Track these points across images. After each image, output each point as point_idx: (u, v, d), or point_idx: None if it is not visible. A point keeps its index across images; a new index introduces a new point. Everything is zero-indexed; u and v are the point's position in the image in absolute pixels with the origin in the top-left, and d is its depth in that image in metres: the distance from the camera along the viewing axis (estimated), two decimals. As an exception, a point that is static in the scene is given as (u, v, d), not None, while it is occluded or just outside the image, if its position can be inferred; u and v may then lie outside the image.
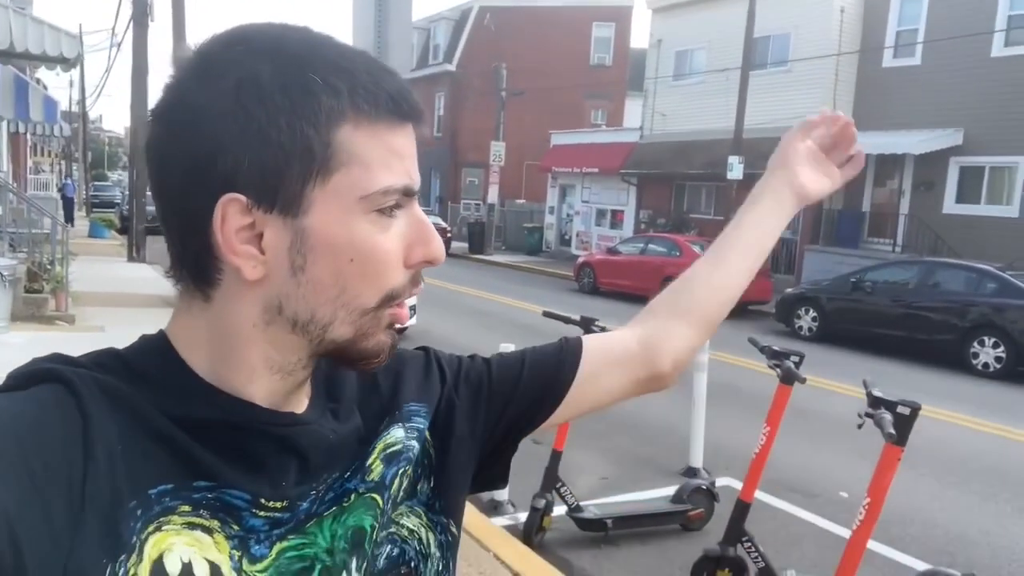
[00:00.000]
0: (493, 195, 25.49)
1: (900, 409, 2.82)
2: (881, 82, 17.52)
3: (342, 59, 0.62)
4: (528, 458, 5.38)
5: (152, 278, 13.50)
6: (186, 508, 0.59)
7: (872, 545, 4.25)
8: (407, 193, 0.64)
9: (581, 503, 4.53)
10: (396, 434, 0.75)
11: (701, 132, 20.34)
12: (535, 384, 0.87)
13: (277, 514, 0.64)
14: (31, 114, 10.05)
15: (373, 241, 0.62)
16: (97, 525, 0.54)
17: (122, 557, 0.55)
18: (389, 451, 0.74)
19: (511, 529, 4.51)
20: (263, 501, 0.63)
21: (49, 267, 9.67)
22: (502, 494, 4.89)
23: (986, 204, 15.88)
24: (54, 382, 0.58)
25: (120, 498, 0.56)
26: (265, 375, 0.65)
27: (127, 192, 26.53)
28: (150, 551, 0.56)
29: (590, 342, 0.93)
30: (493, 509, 4.82)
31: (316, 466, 0.67)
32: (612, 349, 0.93)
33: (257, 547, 0.62)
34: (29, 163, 29.02)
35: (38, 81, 11.24)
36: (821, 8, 17.95)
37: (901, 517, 4.99)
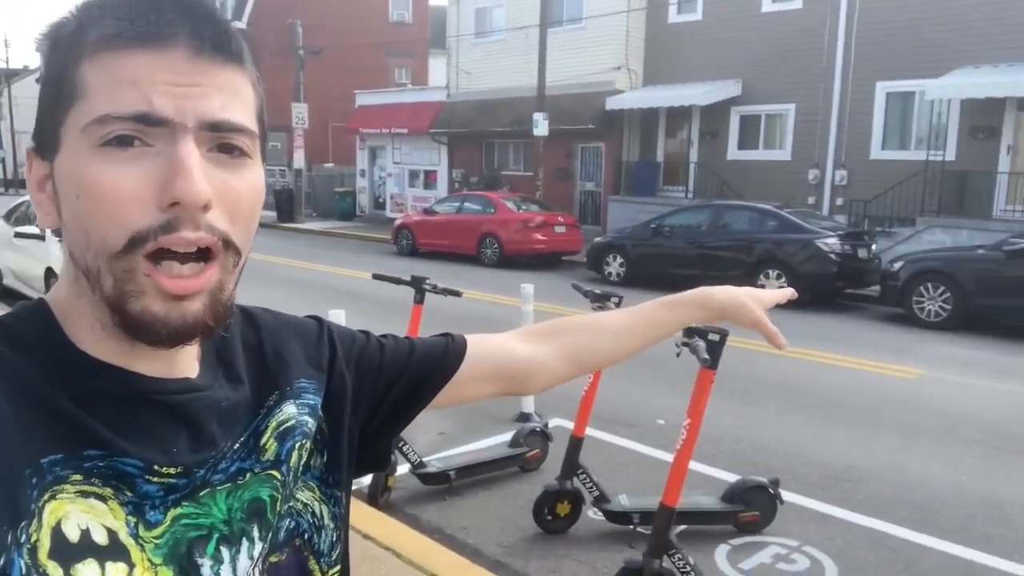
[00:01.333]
0: (299, 160, 24.59)
1: (711, 336, 3.13)
2: (668, 37, 18.62)
3: None
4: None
5: None
6: (78, 477, 0.58)
7: (691, 464, 4.69)
8: (144, 121, 0.57)
9: (423, 459, 4.62)
10: (288, 410, 0.74)
11: (506, 90, 20.70)
12: (419, 375, 0.88)
13: (172, 480, 0.63)
14: None
15: (97, 174, 0.57)
16: None
17: (23, 523, 0.54)
18: (283, 428, 0.73)
19: (356, 493, 4.52)
20: (156, 467, 0.62)
21: None
22: (343, 460, 4.87)
23: (763, 149, 17.46)
24: None
25: (14, 466, 0.55)
26: (102, 334, 0.62)
27: None
28: (48, 518, 0.56)
29: (475, 346, 0.94)
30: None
31: (210, 433, 0.67)
32: (497, 361, 0.95)
33: (152, 512, 0.61)
34: None
35: None
36: (610, -34, 18.70)
37: (710, 436, 5.51)
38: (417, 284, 4.57)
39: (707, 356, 3.05)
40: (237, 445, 0.69)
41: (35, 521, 0.55)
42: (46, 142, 0.61)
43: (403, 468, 4.60)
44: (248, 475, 0.69)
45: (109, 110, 0.57)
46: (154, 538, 0.61)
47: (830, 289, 11.21)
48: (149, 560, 0.60)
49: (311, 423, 0.76)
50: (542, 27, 17.61)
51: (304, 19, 25.30)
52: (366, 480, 4.60)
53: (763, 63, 16.79)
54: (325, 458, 0.79)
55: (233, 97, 0.61)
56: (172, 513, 0.63)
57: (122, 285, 0.59)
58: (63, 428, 0.58)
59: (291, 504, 0.74)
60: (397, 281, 4.72)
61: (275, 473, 0.71)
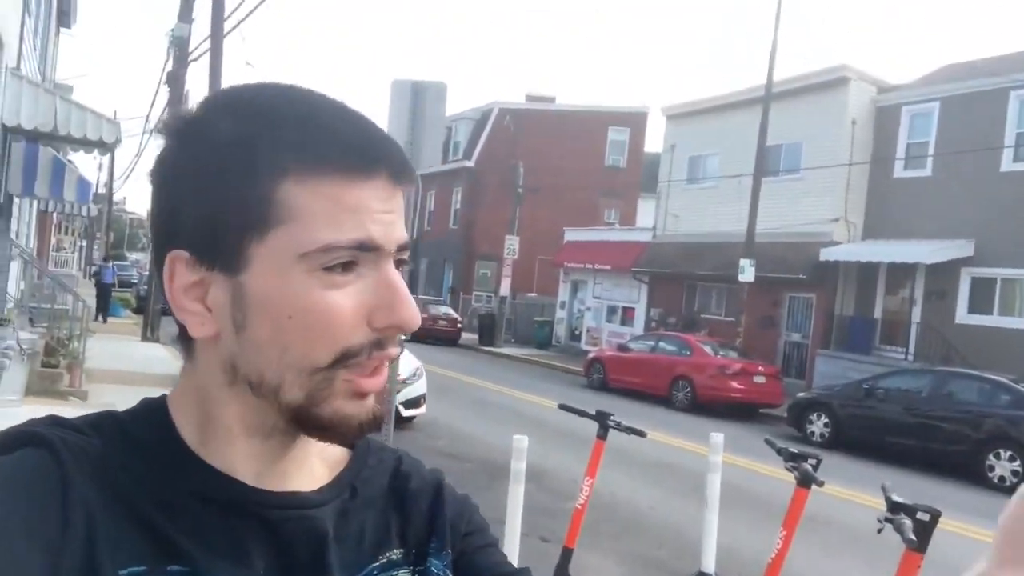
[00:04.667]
0: (505, 288, 25.70)
1: (920, 515, 2.80)
2: (892, 192, 17.86)
3: (308, 111, 0.60)
4: (537, 556, 5.31)
5: (165, 358, 13.57)
6: None
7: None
8: (363, 248, 0.59)
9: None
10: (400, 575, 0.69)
11: (713, 234, 20.66)
12: None
13: None
14: (64, 194, 10.38)
15: (316, 297, 0.58)
16: None
17: None
18: None
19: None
20: None
21: (66, 343, 9.78)
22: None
23: (998, 315, 15.90)
24: (39, 446, 0.57)
25: (95, 572, 0.54)
26: (243, 438, 0.63)
27: (144, 272, 26.94)
28: None
29: None
30: (500, 607, 4.69)
31: (302, 559, 0.63)
32: None
33: None
34: (52, 240, 29.65)
35: (69, 161, 11.65)
36: (833, 119, 18.49)
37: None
38: (602, 419, 4.53)
39: (913, 537, 2.72)
40: None
41: None
42: (217, 253, 0.60)
43: (568, 610, 4.42)
44: None
45: (333, 239, 0.58)
46: None
47: (1078, 481, 9.70)
48: None
49: None
50: (756, 175, 17.57)
51: (526, 160, 27.10)
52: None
53: (1000, 224, 15.56)
54: None
55: (403, 218, 0.64)
56: None
57: (316, 393, 0.59)
58: (151, 538, 0.57)
59: None
60: (582, 414, 4.70)
61: None
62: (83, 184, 10.65)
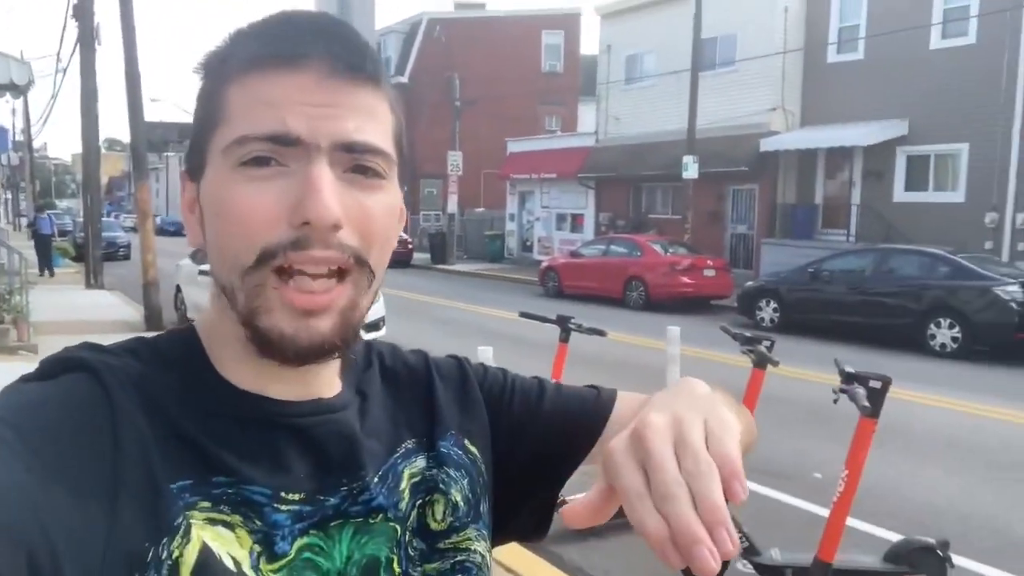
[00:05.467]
0: (452, 205, 25.53)
1: (872, 383, 2.96)
2: (827, 77, 17.99)
3: (268, 22, 0.62)
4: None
5: (112, 303, 13.29)
6: (206, 504, 0.58)
7: (849, 521, 4.38)
8: (280, 142, 0.58)
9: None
10: (417, 463, 0.72)
11: (655, 134, 20.66)
12: (570, 427, 0.79)
13: (297, 507, 0.62)
14: (-20, 143, 9.86)
15: (235, 193, 0.58)
16: (134, 511, 0.54)
17: (164, 540, 0.54)
18: (413, 480, 0.71)
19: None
20: (283, 495, 0.61)
21: (7, 297, 9.49)
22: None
23: (934, 191, 16.39)
24: (82, 371, 0.59)
25: (154, 485, 0.55)
26: (242, 355, 0.63)
27: (78, 219, 26.01)
28: (195, 535, 0.56)
29: (624, 400, 0.83)
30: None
31: (340, 458, 0.65)
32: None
33: (281, 543, 0.60)
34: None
35: (-19, 110, 11.07)
36: (765, 8, 18.38)
37: (874, 493, 5.15)
38: (562, 323, 4.62)
39: (867, 404, 2.89)
40: (376, 479, 0.67)
41: (178, 537, 0.55)
42: (195, 165, 0.63)
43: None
44: (380, 516, 0.66)
45: (247, 131, 0.58)
46: (272, 571, 0.59)
47: (1010, 340, 10.25)
48: None
49: (440, 475, 0.72)
50: (693, 71, 17.50)
51: (461, 73, 26.50)
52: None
53: (932, 101, 15.86)
54: (489, 504, 0.76)
55: (368, 118, 0.61)
56: (299, 543, 0.61)
57: (252, 300, 0.59)
58: (193, 453, 0.59)
59: (461, 559, 0.71)
60: (543, 320, 4.78)
61: (398, 528, 0.67)
62: None
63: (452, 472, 0.73)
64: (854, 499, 3.41)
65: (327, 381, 0.68)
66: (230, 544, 0.58)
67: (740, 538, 3.88)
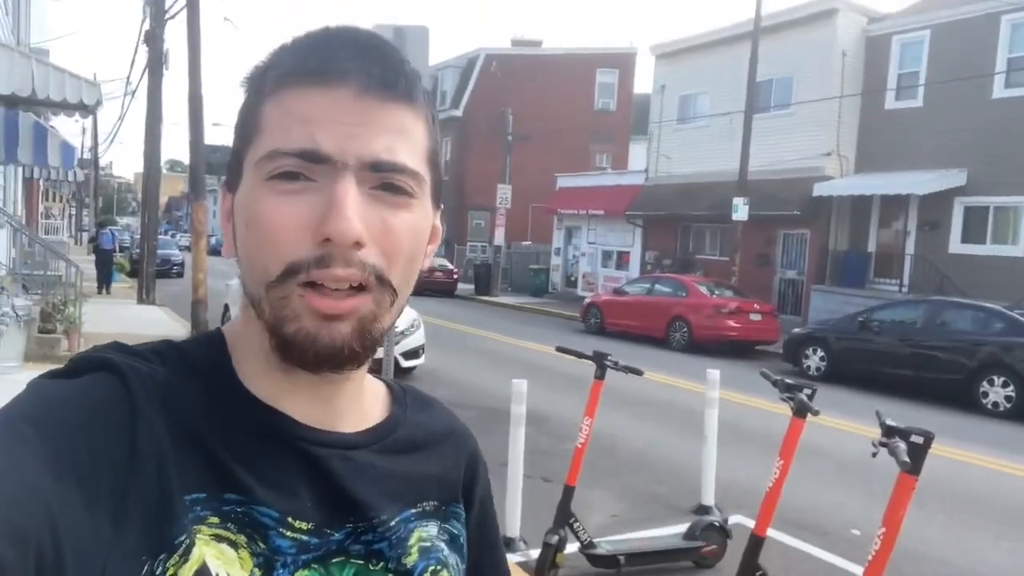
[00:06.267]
0: (499, 237, 25.66)
1: (914, 438, 2.85)
2: (884, 124, 17.73)
3: (306, 37, 0.63)
4: (539, 495, 5.39)
5: (162, 319, 13.60)
6: (215, 519, 0.57)
7: (887, 581, 4.23)
8: (310, 158, 0.58)
9: (594, 540, 4.52)
10: (429, 529, 0.70)
11: (705, 174, 20.56)
12: None
13: (304, 537, 0.61)
14: (49, 160, 10.24)
15: (263, 206, 0.59)
16: (139, 521, 0.53)
17: (162, 556, 0.54)
18: (422, 543, 0.69)
19: (524, 566, 4.50)
20: (290, 520, 0.60)
21: (62, 308, 9.77)
22: (514, 531, 4.88)
23: (991, 244, 15.94)
24: (108, 371, 0.58)
25: (165, 497, 0.55)
26: (265, 367, 0.64)
27: (136, 236, 26.82)
28: (195, 554, 0.55)
29: None
30: (505, 545, 4.80)
31: (351, 496, 0.64)
32: None
33: (281, 570, 0.59)
34: (40, 207, 29.40)
35: (51, 127, 11.45)
36: (822, 52, 18.25)
37: (915, 555, 4.96)
38: (599, 360, 4.56)
39: (907, 459, 2.77)
40: (393, 523, 0.66)
41: (176, 556, 0.54)
42: (232, 176, 0.64)
43: (572, 546, 4.52)
44: (382, 564, 0.65)
45: (278, 145, 0.59)
46: None
47: (1069, 402, 9.84)
48: None
49: (447, 553, 0.71)
50: (747, 113, 17.41)
51: (515, 108, 26.81)
52: (534, 553, 4.57)
53: (992, 152, 15.49)
54: None
55: (399, 137, 0.61)
56: (299, 574, 0.60)
57: (278, 311, 0.59)
58: (208, 466, 0.58)
59: None
60: (579, 355, 4.73)
61: None
62: (67, 149, 10.50)
63: (457, 559, 0.73)
64: (893, 560, 3.26)
65: (348, 408, 0.68)
66: (231, 564, 0.57)
67: (770, 592, 3.75)
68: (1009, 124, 15.24)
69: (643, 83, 39.84)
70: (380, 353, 5.61)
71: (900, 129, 17.31)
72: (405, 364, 9.96)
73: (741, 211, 17.19)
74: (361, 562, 0.64)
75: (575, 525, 4.46)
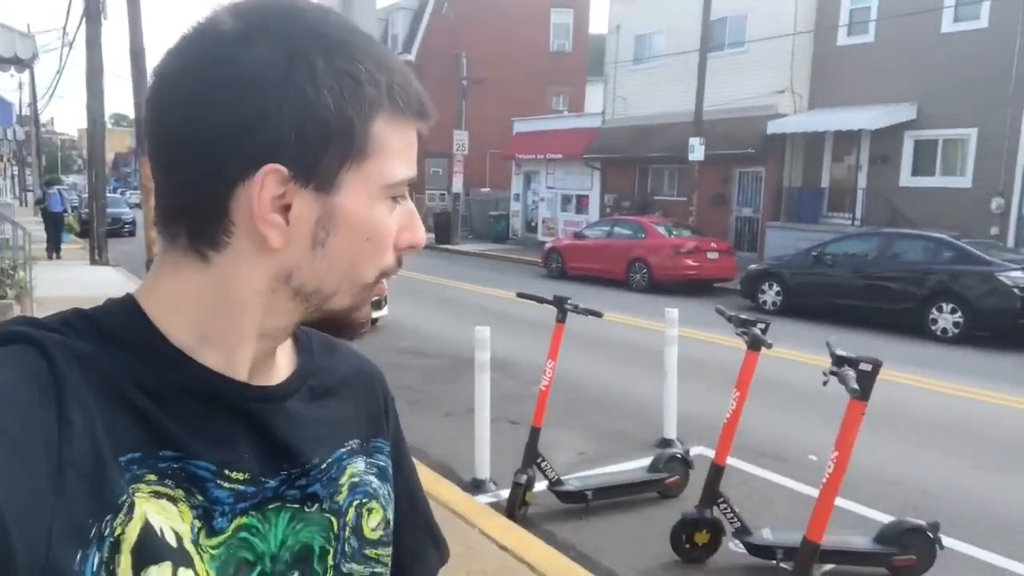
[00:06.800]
0: (458, 184, 25.49)
1: (862, 366, 2.97)
2: (836, 60, 17.84)
3: (379, 52, 0.66)
4: (507, 438, 5.50)
5: (116, 280, 13.34)
6: (152, 477, 0.58)
7: (843, 503, 4.43)
8: (411, 184, 0.69)
9: (561, 477, 4.64)
10: (358, 465, 0.75)
11: (662, 115, 20.55)
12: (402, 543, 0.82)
13: (240, 487, 0.63)
14: (-16, 117, 9.87)
15: (388, 223, 0.67)
16: (79, 486, 0.53)
17: (108, 517, 0.54)
18: (352, 479, 0.73)
19: (495, 506, 4.61)
20: (227, 472, 0.63)
21: (12, 273, 9.53)
22: (484, 473, 4.99)
23: (941, 176, 16.29)
24: (24, 343, 0.57)
25: (101, 460, 0.55)
26: (252, 341, 0.66)
27: (84, 195, 26.06)
28: (138, 512, 0.56)
29: None
30: (476, 487, 4.91)
31: (284, 444, 0.67)
32: None
33: (220, 519, 0.62)
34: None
35: (-13, 84, 11.04)
36: (775, -12, 18.20)
37: (869, 476, 5.18)
38: (559, 304, 4.62)
39: (856, 386, 2.89)
40: (324, 466, 0.71)
41: (121, 515, 0.55)
42: (312, 174, 0.62)
43: (541, 485, 4.64)
44: (316, 506, 0.69)
45: (407, 175, 0.67)
46: (211, 547, 0.61)
47: (1013, 326, 10.22)
48: (206, 571, 0.60)
49: (377, 484, 0.76)
50: (702, 52, 17.38)
51: (469, 51, 26.36)
52: (504, 493, 4.68)
53: (941, 86, 15.72)
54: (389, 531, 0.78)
55: None
56: (237, 522, 0.63)
57: (358, 302, 0.69)
58: (141, 426, 0.59)
59: (376, 571, 0.74)
60: (540, 300, 4.79)
61: (334, 520, 0.71)
62: (3, 105, 10.13)
63: (388, 489, 0.78)
64: (849, 482, 3.43)
65: (280, 363, 0.72)
66: (173, 518, 0.59)
67: (732, 518, 3.92)
68: (957, 58, 15.44)
69: (599, 23, 39.38)
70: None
71: (852, 65, 17.44)
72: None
73: (697, 151, 17.28)
74: (297, 506, 0.67)
75: (542, 464, 4.58)
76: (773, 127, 17.71)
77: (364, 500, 0.74)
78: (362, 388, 0.81)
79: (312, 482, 0.69)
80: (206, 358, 0.64)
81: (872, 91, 16.85)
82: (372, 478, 0.76)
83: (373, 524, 0.74)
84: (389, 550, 0.76)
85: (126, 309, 0.65)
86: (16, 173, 44.07)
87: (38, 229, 16.77)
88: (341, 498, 0.71)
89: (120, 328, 0.63)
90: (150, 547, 0.56)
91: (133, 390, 0.60)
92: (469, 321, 7.01)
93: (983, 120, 15.28)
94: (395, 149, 0.66)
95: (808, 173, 18.71)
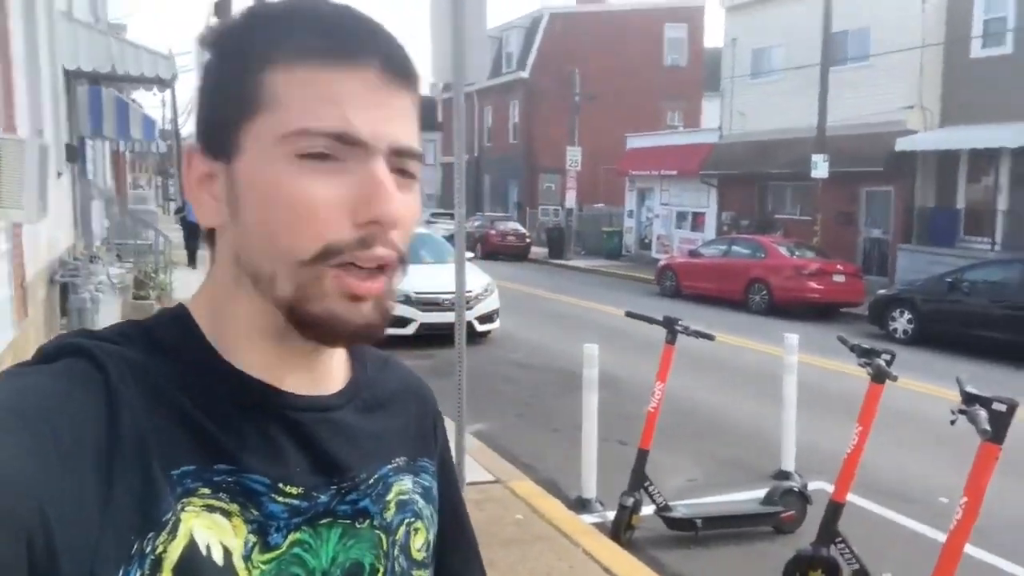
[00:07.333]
0: (571, 200, 25.52)
1: (995, 405, 2.76)
2: (970, 74, 16.77)
3: (300, 5, 0.62)
4: (615, 458, 5.42)
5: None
6: (206, 491, 0.58)
7: (974, 551, 4.13)
8: (343, 140, 0.59)
9: (670, 503, 4.53)
10: (405, 483, 0.73)
11: (782, 130, 19.89)
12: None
13: (295, 501, 0.62)
14: (132, 133, 10.66)
15: (292, 182, 0.59)
16: (125, 501, 0.53)
17: (151, 534, 0.54)
18: (400, 497, 0.71)
19: (600, 527, 4.55)
20: (281, 486, 0.62)
21: (153, 276, 10.22)
22: (590, 492, 4.93)
23: (1092, 197, 15.01)
24: (80, 356, 0.58)
25: (149, 475, 0.55)
26: (258, 341, 0.64)
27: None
28: (183, 530, 0.56)
29: None
30: (581, 507, 4.87)
31: (334, 457, 0.66)
32: None
33: (275, 535, 0.61)
34: (128, 179, 30.60)
35: (133, 101, 11.87)
36: (900, 0, 17.34)
37: (1006, 523, 4.80)
38: (669, 324, 4.53)
39: (987, 427, 2.68)
40: (372, 481, 0.69)
41: (164, 533, 0.55)
42: (217, 143, 0.62)
43: (648, 509, 4.54)
44: (367, 522, 0.67)
45: (309, 125, 0.58)
46: (263, 563, 0.60)
47: None
48: None
49: (422, 505, 0.74)
50: (823, 66, 16.73)
51: (581, 67, 26.42)
52: (610, 514, 4.61)
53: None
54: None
55: (411, 121, 0.63)
56: (292, 537, 0.62)
57: (305, 289, 0.60)
58: (195, 439, 0.59)
59: None
60: (650, 320, 4.71)
61: (384, 538, 0.68)
62: (148, 122, 10.91)
63: (431, 510, 0.76)
64: (982, 530, 3.18)
65: (331, 372, 0.70)
66: (224, 533, 0.58)
67: (850, 559, 3.71)
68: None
69: (714, 37, 38.64)
70: (451, 317, 5.70)
71: (988, 78, 16.33)
72: (480, 328, 10.10)
73: (821, 168, 16.61)
74: (348, 521, 0.65)
75: (650, 488, 4.49)
76: (902, 144, 16.81)
77: (411, 519, 0.72)
78: (412, 405, 0.78)
79: (362, 497, 0.67)
80: (240, 364, 0.63)
81: (1011, 106, 15.70)
82: (418, 497, 0.73)
83: (418, 544, 0.72)
84: (429, 572, 0.74)
85: (176, 319, 0.65)
86: (160, 184, 47.37)
87: (178, 236, 17.90)
88: (390, 515, 0.69)
89: (170, 338, 0.63)
90: (192, 566, 0.55)
91: (185, 401, 0.60)
92: (579, 337, 6.99)
93: None
94: (294, 98, 0.59)
95: (941, 193, 17.62)
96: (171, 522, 0.55)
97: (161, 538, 0.54)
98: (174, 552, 0.55)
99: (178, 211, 23.97)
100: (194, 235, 19.18)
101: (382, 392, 0.75)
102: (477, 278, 10.21)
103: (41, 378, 0.56)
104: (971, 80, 16.65)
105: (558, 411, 7.11)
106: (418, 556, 0.72)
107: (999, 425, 2.77)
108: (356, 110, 0.59)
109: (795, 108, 19.33)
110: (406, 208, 0.62)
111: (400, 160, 0.62)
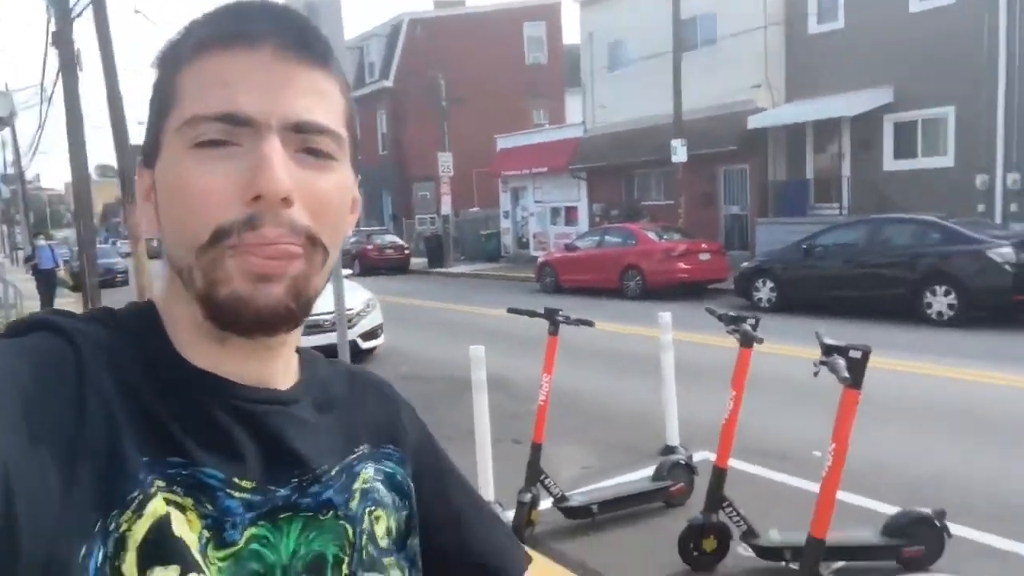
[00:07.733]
0: (446, 206, 25.52)
1: (852, 353, 2.96)
2: (809, 49, 17.93)
3: (219, 8, 0.64)
4: (509, 457, 5.46)
5: (112, 330, 13.30)
6: (161, 483, 0.57)
7: (847, 496, 4.41)
8: (233, 121, 0.58)
9: (566, 493, 4.62)
10: (368, 471, 0.72)
11: (642, 120, 20.63)
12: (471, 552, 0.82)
13: (248, 495, 0.61)
14: (-33, 179, 9.88)
15: (185, 172, 0.59)
16: (89, 477, 0.53)
17: (114, 512, 0.53)
18: (364, 485, 0.71)
19: (500, 528, 4.57)
20: (236, 480, 0.61)
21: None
22: (488, 495, 4.95)
23: (923, 157, 16.34)
24: (51, 331, 0.58)
25: (115, 453, 0.55)
26: (203, 340, 0.64)
27: (74, 248, 26.02)
28: (149, 510, 0.55)
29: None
30: (480, 511, 4.87)
31: (293, 450, 0.65)
32: None
33: (231, 531, 0.59)
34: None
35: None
36: (743, -15, 18.34)
37: (873, 467, 5.16)
38: (550, 316, 4.62)
39: (847, 374, 2.89)
40: (334, 472, 0.68)
41: (129, 512, 0.54)
42: (150, 151, 0.64)
43: (546, 502, 4.61)
44: (331, 513, 0.66)
45: (198, 111, 0.58)
46: (219, 559, 0.58)
47: (1007, 303, 10.22)
48: None
49: (383, 492, 0.73)
50: (675, 52, 17.48)
51: (445, 72, 26.48)
52: (510, 514, 4.65)
53: (915, 66, 15.80)
54: (418, 539, 0.76)
55: (318, 99, 0.61)
56: (248, 532, 0.60)
57: (209, 274, 0.59)
58: (152, 429, 0.58)
59: None
60: (531, 314, 4.79)
61: (349, 529, 0.67)
62: (-14, 166, 10.14)
63: (394, 496, 0.75)
64: (852, 474, 3.41)
65: (283, 370, 0.69)
66: (181, 526, 0.57)
67: (738, 521, 3.89)
68: (928, 36, 15.52)
69: (572, 33, 39.61)
70: (334, 338, 5.60)
71: (825, 52, 17.52)
72: (364, 345, 9.93)
73: (680, 153, 17.34)
74: (310, 514, 0.65)
75: (546, 481, 4.55)
76: (753, 122, 17.77)
77: (371, 507, 0.71)
78: (369, 396, 0.79)
79: (325, 489, 0.66)
80: (194, 360, 0.63)
81: (847, 77, 16.91)
82: (379, 485, 0.73)
83: (380, 532, 0.72)
84: (399, 557, 0.73)
85: (143, 312, 0.66)
86: (5, 231, 44.11)
87: (31, 287, 16.72)
88: (355, 504, 0.69)
89: (135, 327, 0.64)
90: (160, 547, 0.54)
91: (146, 390, 0.60)
92: (466, 342, 6.99)
93: (959, 97, 15.34)
94: (188, 91, 0.60)
95: (792, 166, 18.76)
96: (136, 501, 0.54)
97: (126, 516, 0.54)
98: (139, 531, 0.54)
99: (28, 259, 22.29)
100: (49, 283, 17.96)
101: (337, 389, 0.75)
102: (357, 295, 10.04)
103: (11, 349, 0.56)
104: (811, 55, 17.79)
105: (450, 419, 7.08)
106: (383, 543, 0.71)
107: (857, 371, 2.98)
108: (246, 90, 0.59)
109: (652, 97, 20.08)
110: (308, 187, 0.60)
111: (305, 138, 0.61)
